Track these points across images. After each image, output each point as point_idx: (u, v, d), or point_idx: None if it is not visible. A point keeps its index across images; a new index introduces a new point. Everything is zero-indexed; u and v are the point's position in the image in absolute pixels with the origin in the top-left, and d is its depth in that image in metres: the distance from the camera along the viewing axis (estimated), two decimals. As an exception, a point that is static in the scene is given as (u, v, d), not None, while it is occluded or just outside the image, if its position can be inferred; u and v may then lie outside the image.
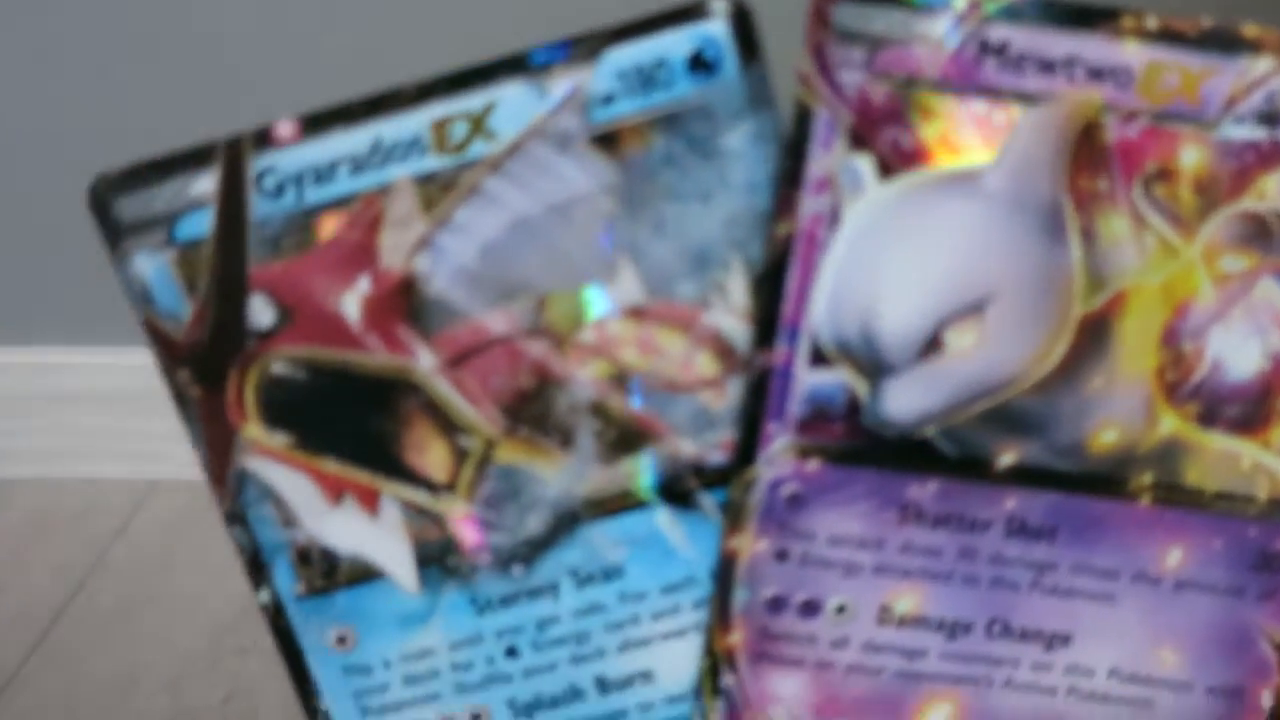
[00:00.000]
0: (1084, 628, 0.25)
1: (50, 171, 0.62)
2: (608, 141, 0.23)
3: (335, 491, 0.24)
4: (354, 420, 0.24)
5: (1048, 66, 0.22)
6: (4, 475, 0.72)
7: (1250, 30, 0.22)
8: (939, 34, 0.22)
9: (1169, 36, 0.22)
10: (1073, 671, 0.25)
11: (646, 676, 0.25)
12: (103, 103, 0.64)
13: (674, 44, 0.22)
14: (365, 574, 0.25)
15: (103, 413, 0.71)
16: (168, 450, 0.67)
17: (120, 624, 0.60)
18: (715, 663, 0.25)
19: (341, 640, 0.25)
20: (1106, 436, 0.24)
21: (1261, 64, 0.22)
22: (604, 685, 0.25)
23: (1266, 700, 0.25)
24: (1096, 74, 0.22)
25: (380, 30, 0.58)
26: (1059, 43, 0.22)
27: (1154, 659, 0.25)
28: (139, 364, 0.70)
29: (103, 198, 0.23)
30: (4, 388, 0.72)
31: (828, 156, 0.23)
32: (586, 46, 0.22)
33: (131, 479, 0.71)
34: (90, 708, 0.54)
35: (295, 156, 0.22)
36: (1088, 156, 0.23)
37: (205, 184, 0.22)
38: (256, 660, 0.57)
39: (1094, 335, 0.23)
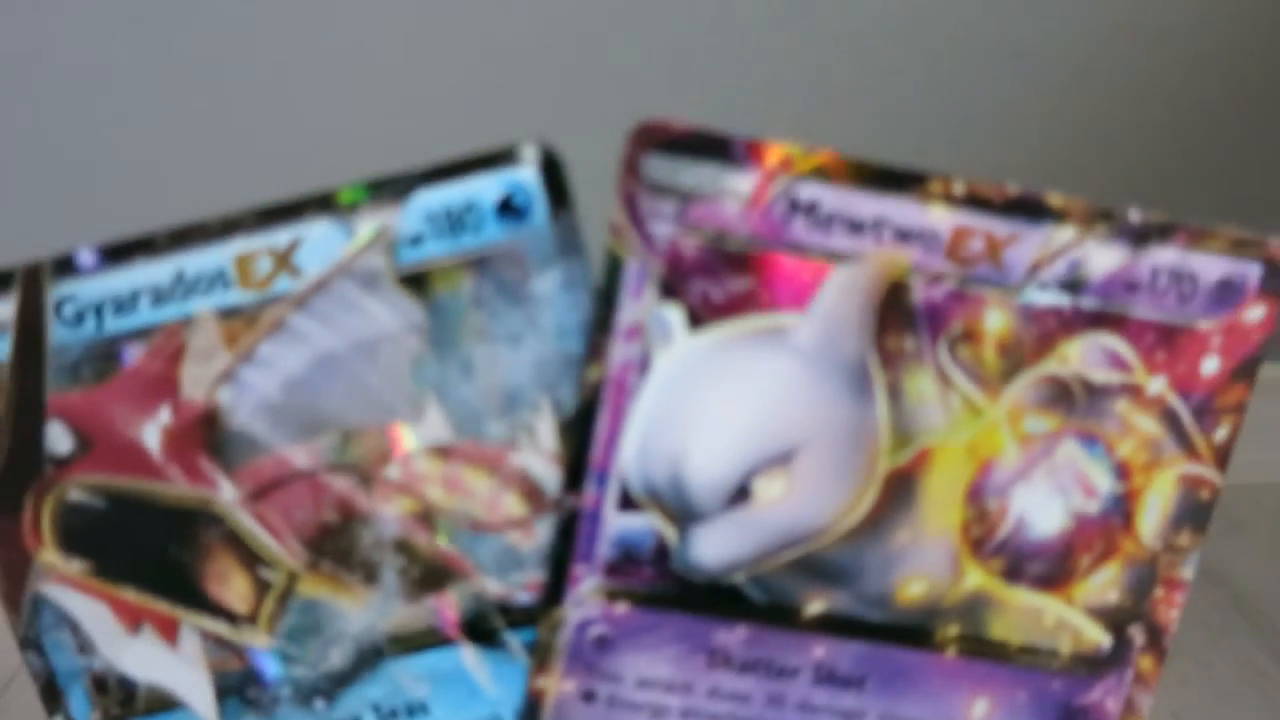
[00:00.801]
0: None
1: (51, 173, 0.62)
2: (416, 282, 0.22)
3: (134, 620, 0.23)
4: (154, 549, 0.23)
5: (857, 227, 0.22)
6: None
7: (1055, 199, 0.22)
8: (747, 190, 0.22)
9: (976, 202, 0.22)
10: None
11: (451, 815, 0.25)
12: None
13: (484, 188, 0.22)
14: (163, 704, 0.24)
15: None
16: None
17: None
18: (523, 801, 0.25)
19: (137, 770, 0.24)
20: (913, 588, 0.24)
21: (1065, 232, 0.22)
22: (407, 823, 0.24)
23: None
24: (904, 236, 0.22)
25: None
26: (868, 204, 0.22)
27: (961, 808, 0.25)
28: None
29: (-110, 319, 0.22)
30: None
31: (638, 305, 0.22)
32: (395, 187, 0.21)
33: None
34: None
35: (96, 285, 0.21)
36: (895, 316, 0.22)
37: (2, 310, 0.21)
38: None
39: (900, 490, 0.23)
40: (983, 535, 0.23)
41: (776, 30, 0.59)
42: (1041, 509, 0.23)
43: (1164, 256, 0.22)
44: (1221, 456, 0.23)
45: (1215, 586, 0.61)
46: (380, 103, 0.57)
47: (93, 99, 0.60)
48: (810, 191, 0.22)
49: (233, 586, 0.23)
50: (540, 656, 0.24)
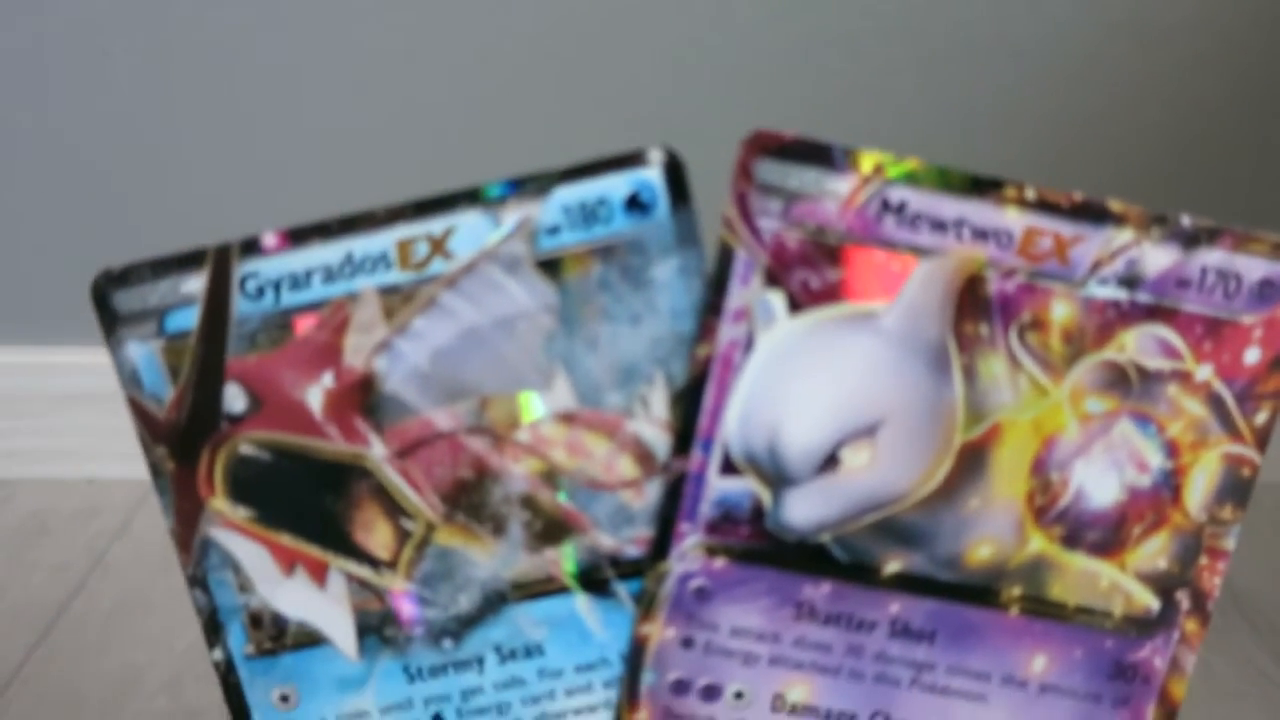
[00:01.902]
0: None
1: (51, 173, 0.63)
2: (551, 267, 0.24)
3: (288, 563, 0.25)
4: (310, 499, 0.25)
5: (939, 225, 0.24)
6: (4, 475, 0.69)
7: (1115, 205, 0.24)
8: (845, 192, 0.24)
9: (1045, 206, 0.24)
10: None
11: (560, 748, 0.27)
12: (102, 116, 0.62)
13: (614, 185, 0.24)
14: (310, 639, 0.26)
15: (103, 413, 0.66)
16: None
17: (120, 624, 0.57)
18: (624, 738, 0.27)
19: (285, 699, 0.26)
20: (981, 552, 0.26)
21: (1124, 234, 0.24)
22: (521, 753, 0.27)
23: (1118, 798, 0.27)
24: (981, 234, 0.24)
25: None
26: (950, 206, 0.24)
27: (1020, 755, 0.26)
28: None
29: (103, 290, 0.24)
30: (4, 388, 0.69)
31: (745, 291, 0.24)
32: (537, 184, 0.24)
33: (131, 479, 0.67)
34: (90, 708, 0.52)
35: (276, 264, 0.24)
36: (971, 305, 0.24)
37: (194, 284, 0.24)
38: None
39: (972, 461, 0.25)
40: (1045, 504, 0.25)
41: (777, 29, 0.58)
42: (1098, 482, 0.25)
43: (1212, 257, 0.24)
44: (1261, 438, 0.25)
45: None
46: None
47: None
48: (899, 194, 0.24)
49: (377, 535, 0.25)
50: (645, 605, 0.26)
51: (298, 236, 0.24)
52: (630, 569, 0.26)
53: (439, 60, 0.57)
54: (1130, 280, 0.24)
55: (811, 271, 0.24)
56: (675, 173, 0.24)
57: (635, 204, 0.24)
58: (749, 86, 0.58)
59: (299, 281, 0.24)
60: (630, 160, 0.24)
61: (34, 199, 0.65)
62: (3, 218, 0.66)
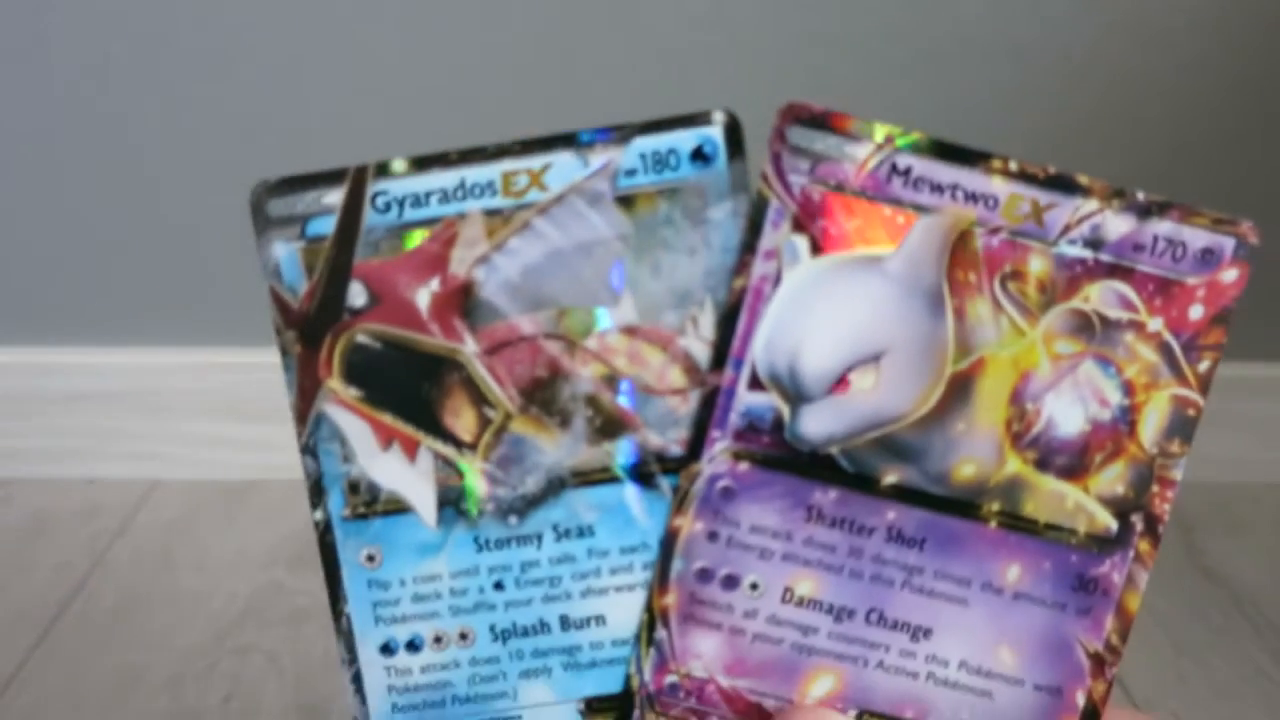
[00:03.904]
0: (942, 624, 0.28)
1: (51, 173, 0.62)
2: (626, 202, 0.28)
3: (386, 438, 0.28)
4: (410, 385, 0.28)
5: (937, 188, 0.28)
6: (4, 475, 0.66)
7: (1083, 178, 0.28)
8: (861, 156, 0.27)
9: (1025, 176, 0.28)
10: (931, 660, 0.28)
11: (600, 620, 0.29)
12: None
13: (684, 139, 0.28)
14: (397, 507, 0.28)
15: (103, 413, 0.65)
16: (168, 450, 0.63)
17: (120, 624, 0.55)
18: (652, 618, 0.29)
19: (370, 558, 0.29)
20: (966, 469, 0.28)
21: (1090, 203, 0.28)
22: (566, 623, 0.29)
23: (1080, 700, 0.28)
24: (971, 197, 0.28)
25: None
26: (946, 172, 0.27)
27: (995, 657, 0.28)
28: (139, 364, 0.67)
29: (259, 197, 0.28)
30: (4, 388, 0.66)
31: (776, 235, 0.28)
32: (622, 133, 0.28)
33: (131, 479, 0.65)
34: (91, 707, 0.51)
35: (403, 185, 0.28)
36: (962, 256, 0.28)
37: (334, 197, 0.28)
38: (256, 660, 0.53)
39: (960, 389, 0.28)
40: (1021, 430, 0.28)
41: (778, 29, 0.59)
42: (1066, 413, 0.28)
43: (1162, 227, 0.28)
44: (1204, 384, 0.28)
45: (1215, 586, 0.60)
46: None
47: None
48: (905, 160, 0.28)
49: (463, 420, 0.28)
50: (679, 500, 0.28)
51: (422, 163, 0.28)
52: (673, 466, 0.28)
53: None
54: (1094, 242, 0.28)
55: (831, 221, 0.28)
56: (734, 132, 0.28)
57: (699, 155, 0.28)
58: (750, 83, 0.58)
59: (419, 200, 0.28)
60: (698, 119, 0.28)
61: (34, 199, 0.63)
62: (3, 218, 0.64)
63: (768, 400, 0.28)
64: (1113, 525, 0.28)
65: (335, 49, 0.60)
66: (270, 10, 0.59)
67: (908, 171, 0.27)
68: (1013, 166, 0.27)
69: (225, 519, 0.62)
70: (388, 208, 0.28)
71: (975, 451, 0.28)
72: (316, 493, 0.29)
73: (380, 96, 0.62)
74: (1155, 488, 0.28)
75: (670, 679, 0.29)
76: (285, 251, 0.28)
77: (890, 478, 0.28)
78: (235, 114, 0.61)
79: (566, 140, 0.28)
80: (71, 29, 0.59)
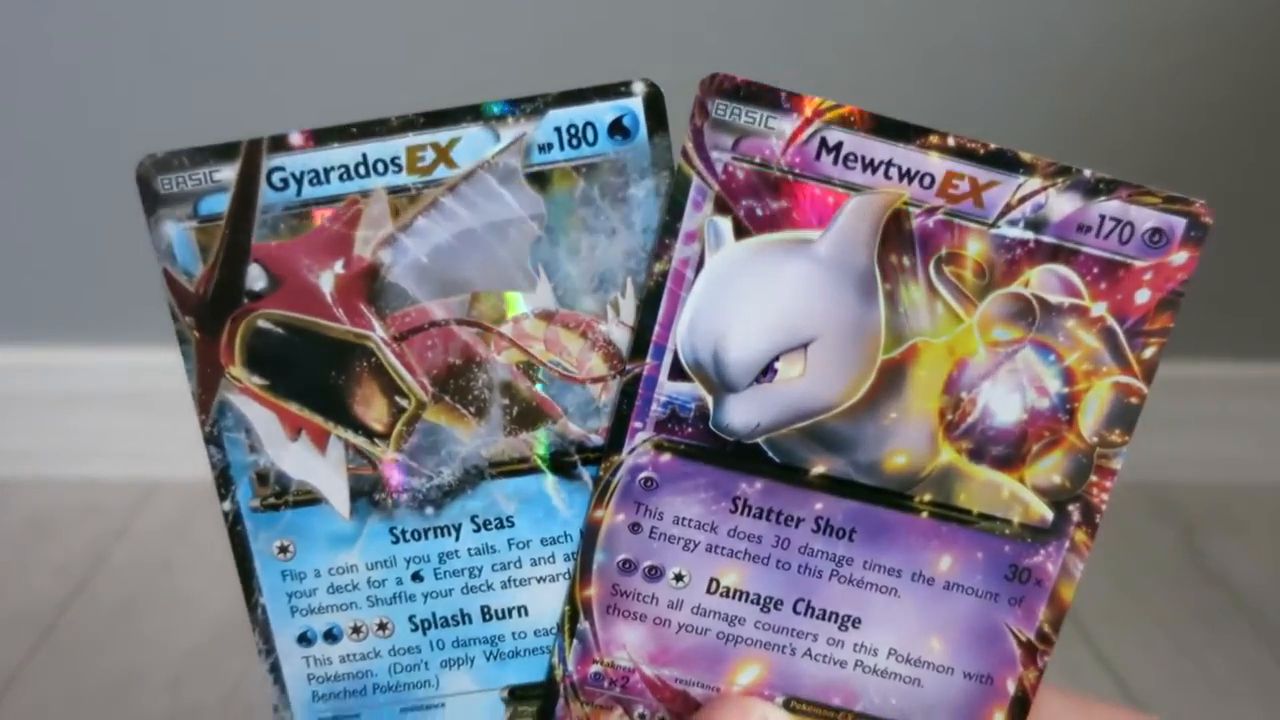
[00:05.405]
0: (871, 614, 0.26)
1: (51, 173, 0.58)
2: (541, 180, 0.25)
3: (294, 428, 0.26)
4: (317, 373, 0.25)
5: (870, 165, 0.24)
6: (4, 475, 0.63)
7: (1025, 155, 0.24)
8: (788, 131, 0.24)
9: (964, 153, 0.24)
10: (860, 649, 0.26)
11: (522, 610, 0.26)
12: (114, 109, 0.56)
13: (601, 112, 0.24)
14: (309, 498, 0.26)
15: (103, 413, 0.63)
16: (168, 450, 0.61)
17: (121, 624, 0.53)
18: (575, 609, 0.26)
19: (283, 550, 0.26)
20: (897, 459, 0.26)
21: (1032, 182, 0.24)
22: (487, 613, 0.26)
23: (1011, 687, 0.26)
24: (907, 175, 0.24)
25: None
26: (880, 148, 0.24)
27: (925, 646, 0.26)
28: (139, 364, 0.64)
29: (147, 174, 0.25)
30: (4, 388, 0.63)
31: (698, 215, 0.25)
32: (534, 105, 0.24)
33: (131, 479, 0.63)
34: (91, 707, 0.49)
35: (301, 160, 0.24)
36: (896, 238, 0.25)
37: (227, 173, 0.24)
38: (256, 660, 0.51)
39: (892, 378, 0.25)
40: (955, 420, 0.25)
41: (779, 29, 0.56)
42: (1003, 402, 0.25)
43: (1109, 206, 0.24)
44: (1148, 371, 0.25)
45: (1215, 586, 0.57)
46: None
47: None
48: (836, 135, 0.24)
49: (374, 409, 0.26)
50: (600, 492, 0.26)
51: (321, 137, 0.24)
52: (594, 456, 0.26)
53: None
54: (1036, 223, 0.24)
55: (757, 201, 0.25)
56: (655, 104, 0.24)
57: (618, 129, 0.24)
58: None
59: (318, 177, 0.24)
60: (617, 90, 0.24)
61: (34, 199, 0.60)
62: (2, 218, 0.61)
63: (691, 389, 0.25)
64: (1048, 515, 0.26)
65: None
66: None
67: (838, 147, 0.24)
68: (950, 142, 0.24)
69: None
70: (285, 184, 0.24)
71: (907, 442, 0.25)
72: (224, 483, 0.26)
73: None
74: (1094, 477, 0.25)
75: (594, 668, 0.26)
76: (177, 231, 0.25)
77: (819, 468, 0.25)
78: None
79: (475, 112, 0.24)
80: (72, 29, 0.55)
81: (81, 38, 0.57)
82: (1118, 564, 0.58)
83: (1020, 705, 0.26)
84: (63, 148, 0.59)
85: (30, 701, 0.49)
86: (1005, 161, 0.24)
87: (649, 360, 0.25)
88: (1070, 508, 0.26)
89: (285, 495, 0.26)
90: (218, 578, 0.54)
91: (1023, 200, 0.24)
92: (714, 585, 0.26)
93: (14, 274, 0.62)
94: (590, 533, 0.26)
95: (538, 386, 0.25)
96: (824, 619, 0.26)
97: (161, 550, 0.58)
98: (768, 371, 0.25)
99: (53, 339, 0.63)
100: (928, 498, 0.26)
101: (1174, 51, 0.57)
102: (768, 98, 0.24)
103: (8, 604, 0.55)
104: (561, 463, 0.26)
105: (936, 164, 0.24)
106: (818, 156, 0.24)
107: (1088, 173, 0.24)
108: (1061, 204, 0.24)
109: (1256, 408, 0.68)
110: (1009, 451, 0.25)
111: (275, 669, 0.27)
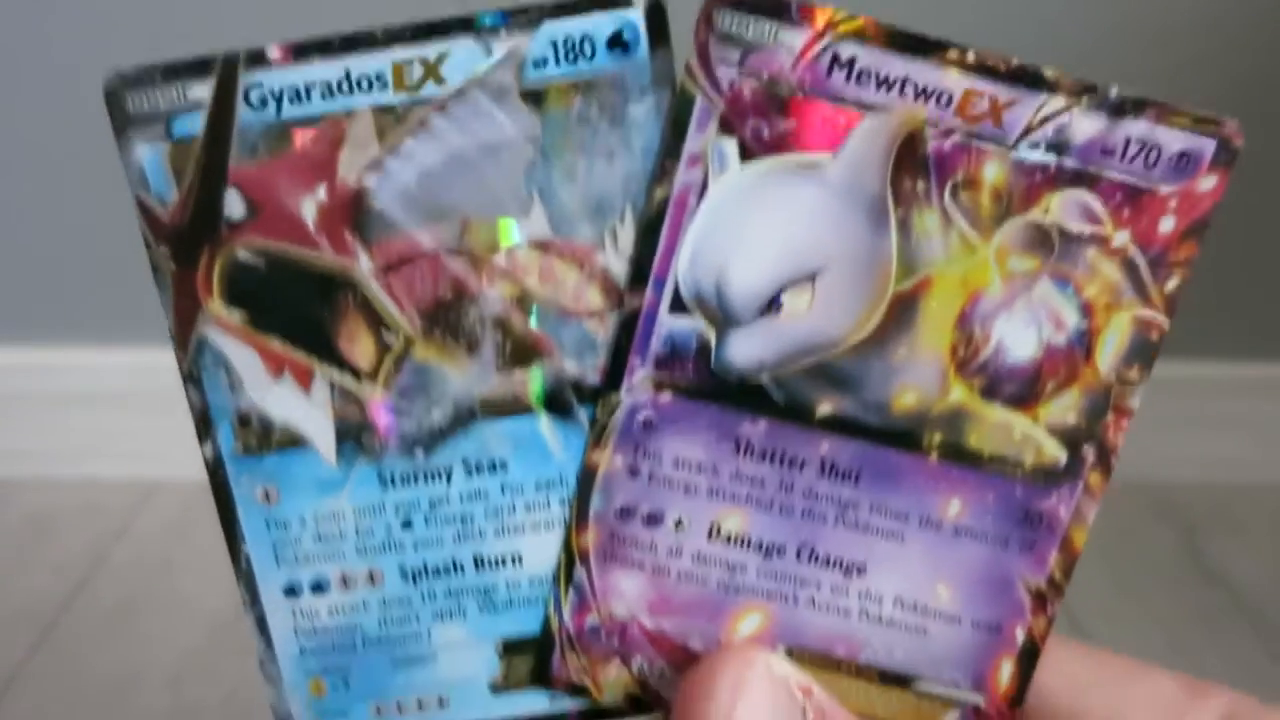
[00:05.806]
0: (877, 561, 0.24)
1: (51, 174, 0.56)
2: (535, 98, 0.22)
3: (277, 367, 0.23)
4: (300, 307, 0.23)
5: (885, 83, 0.21)
6: (4, 475, 0.59)
7: (1050, 71, 0.21)
8: (798, 45, 0.21)
9: (984, 69, 0.22)
10: (865, 597, 0.24)
11: (516, 559, 0.24)
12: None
13: (600, 24, 0.21)
14: (293, 441, 0.23)
15: (103, 413, 0.59)
16: (168, 450, 0.58)
17: (121, 624, 0.50)
18: (570, 557, 0.24)
19: (267, 496, 0.23)
20: (906, 398, 0.23)
21: (1056, 101, 0.22)
22: (480, 562, 0.24)
23: (1020, 636, 0.24)
24: (923, 93, 0.22)
25: None
26: (896, 64, 0.22)
27: (932, 593, 0.24)
28: (139, 364, 0.61)
29: (116, 91, 0.22)
30: (4, 388, 0.60)
31: (701, 137, 0.22)
32: (529, 16, 0.21)
33: (131, 479, 0.59)
34: (91, 707, 0.46)
35: (279, 76, 0.21)
36: (909, 161, 0.22)
37: (202, 90, 0.21)
38: (256, 660, 0.49)
39: (902, 311, 0.22)
40: (967, 356, 0.23)
41: None
42: (1018, 337, 0.23)
43: (1136, 128, 0.22)
44: (1170, 305, 0.22)
45: (1215, 586, 0.55)
46: None
47: None
48: (849, 50, 0.21)
49: (360, 346, 0.22)
50: (596, 434, 0.23)
51: (300, 51, 0.21)
52: (591, 395, 0.23)
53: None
54: (1058, 145, 0.22)
55: (764, 121, 0.22)
56: (657, 16, 0.22)
57: (618, 42, 0.21)
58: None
59: (300, 95, 0.21)
60: (617, 1, 0.21)
61: (34, 199, 0.57)
62: (3, 219, 0.58)
63: (692, 324, 0.22)
64: (1062, 457, 0.23)
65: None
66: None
67: (851, 63, 0.21)
68: (970, 58, 0.21)
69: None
70: (263, 103, 0.21)
71: (917, 379, 0.23)
72: (204, 426, 0.23)
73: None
74: (1110, 416, 0.23)
75: (591, 620, 0.23)
76: (149, 153, 0.22)
77: (825, 408, 0.23)
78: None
79: (465, 24, 0.21)
80: (72, 29, 0.52)
81: (81, 38, 0.54)
82: (1117, 564, 0.56)
83: (1029, 655, 0.24)
84: (63, 148, 0.56)
85: (30, 701, 0.47)
86: (1027, 79, 0.21)
87: (648, 293, 0.22)
88: (1085, 448, 0.23)
89: (268, 439, 0.23)
90: (217, 578, 0.51)
91: (1044, 121, 0.21)
92: (715, 531, 0.23)
93: (14, 274, 0.59)
94: (587, 477, 0.23)
95: (532, 321, 0.22)
96: (828, 566, 0.23)
97: (161, 550, 0.55)
98: (773, 305, 0.22)
99: (53, 339, 0.60)
100: (938, 438, 0.23)
101: (1174, 51, 0.55)
102: (777, 8, 0.21)
103: (8, 604, 0.52)
104: (557, 403, 0.23)
105: (955, 81, 0.21)
106: (829, 73, 0.21)
107: (1114, 91, 0.21)
108: (1085, 125, 0.21)
109: (1256, 408, 0.66)
110: (1023, 389, 0.23)
111: (261, 622, 0.24)
